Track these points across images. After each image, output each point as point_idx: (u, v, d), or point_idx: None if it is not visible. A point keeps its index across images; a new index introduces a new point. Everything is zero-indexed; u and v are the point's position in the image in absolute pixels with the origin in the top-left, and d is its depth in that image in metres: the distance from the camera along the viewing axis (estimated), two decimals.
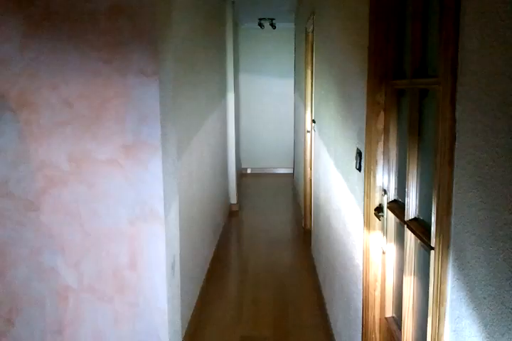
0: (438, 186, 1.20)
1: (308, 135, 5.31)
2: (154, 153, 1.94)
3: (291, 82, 8.54)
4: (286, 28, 8.42)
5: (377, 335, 2.03)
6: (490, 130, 0.95)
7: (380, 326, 2.02)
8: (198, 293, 3.82)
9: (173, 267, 2.13)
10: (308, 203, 5.30)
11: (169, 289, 2.07)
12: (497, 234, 0.91)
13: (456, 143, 1.10)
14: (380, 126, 1.92)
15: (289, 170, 9.00)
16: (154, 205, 1.97)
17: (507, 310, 0.87)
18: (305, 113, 5.45)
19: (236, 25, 7.52)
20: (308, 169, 5.26)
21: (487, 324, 0.95)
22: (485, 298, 0.96)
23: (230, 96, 6.44)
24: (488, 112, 0.95)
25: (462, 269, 1.08)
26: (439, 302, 1.18)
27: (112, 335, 2.07)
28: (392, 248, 1.88)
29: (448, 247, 1.15)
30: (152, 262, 2.01)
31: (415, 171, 1.57)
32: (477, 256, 1.00)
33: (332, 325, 3.23)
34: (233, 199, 6.62)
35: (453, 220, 1.12)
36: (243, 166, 9.10)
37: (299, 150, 6.59)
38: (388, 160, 1.90)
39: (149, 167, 1.95)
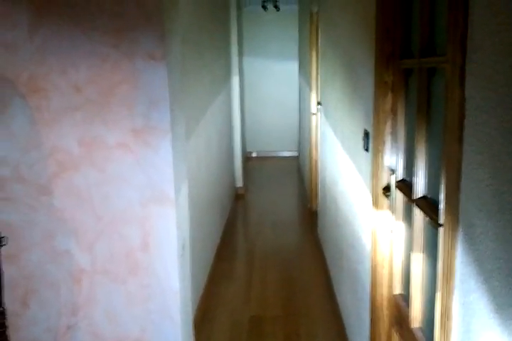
0: (447, 163, 1.21)
1: (313, 117, 5.31)
2: (164, 136, 1.96)
3: (296, 64, 8.50)
4: (290, 10, 8.34)
5: (385, 312, 2.06)
6: (499, 106, 0.96)
7: (388, 303, 2.06)
8: (207, 274, 3.88)
9: (184, 248, 2.17)
10: (314, 185, 5.32)
11: (180, 270, 2.11)
12: (505, 209, 0.93)
13: (466, 121, 1.11)
14: (388, 106, 1.93)
15: (294, 153, 9.01)
16: (165, 188, 2.00)
17: None
18: (310, 95, 5.44)
19: (239, 8, 7.46)
20: (314, 151, 5.27)
21: (496, 296, 0.97)
22: (493, 271, 0.99)
23: (235, 80, 6.42)
24: (498, 89, 0.96)
25: (471, 244, 1.10)
26: (448, 277, 1.21)
27: (125, 316, 2.12)
28: (400, 226, 1.91)
29: (457, 223, 1.17)
30: (164, 244, 2.04)
31: (423, 150, 1.58)
32: (486, 231, 1.02)
33: (340, 303, 3.28)
34: (239, 183, 6.65)
35: (461, 197, 1.14)
36: (248, 150, 9.11)
37: (305, 132, 6.59)
38: (396, 140, 1.91)
39: (159, 151, 1.97)
